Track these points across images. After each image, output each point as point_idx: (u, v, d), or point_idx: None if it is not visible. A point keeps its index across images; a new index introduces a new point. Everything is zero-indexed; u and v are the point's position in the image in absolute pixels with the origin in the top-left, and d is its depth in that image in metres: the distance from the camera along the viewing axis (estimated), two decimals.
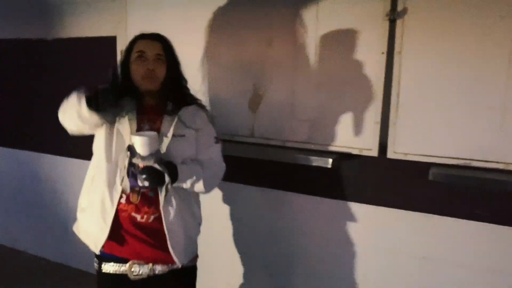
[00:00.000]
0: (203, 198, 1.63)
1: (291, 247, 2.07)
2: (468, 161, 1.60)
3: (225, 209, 2.22)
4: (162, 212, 1.41)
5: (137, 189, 1.39)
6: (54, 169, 2.82)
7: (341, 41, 1.77)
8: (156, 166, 1.31)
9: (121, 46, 2.31)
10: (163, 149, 1.39)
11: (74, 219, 2.77)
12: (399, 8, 1.63)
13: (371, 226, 1.87)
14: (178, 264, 1.47)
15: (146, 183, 1.31)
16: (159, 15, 2.18)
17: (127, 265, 1.44)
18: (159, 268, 1.46)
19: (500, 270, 1.66)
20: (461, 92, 1.59)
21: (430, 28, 1.60)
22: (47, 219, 2.95)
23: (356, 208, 1.89)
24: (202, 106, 1.58)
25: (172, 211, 1.43)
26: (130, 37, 1.59)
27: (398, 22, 1.64)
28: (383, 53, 1.69)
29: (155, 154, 1.32)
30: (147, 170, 1.30)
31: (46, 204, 2.93)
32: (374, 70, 1.71)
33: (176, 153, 1.41)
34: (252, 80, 1.99)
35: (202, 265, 1.64)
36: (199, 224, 1.60)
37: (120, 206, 1.41)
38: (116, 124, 1.41)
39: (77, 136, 1.45)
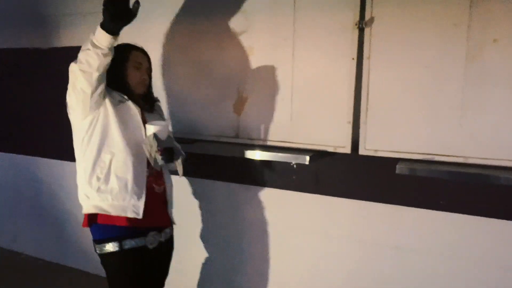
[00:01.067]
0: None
1: (278, 239, 2.21)
2: (431, 156, 1.75)
3: (212, 205, 2.36)
4: (165, 183, 1.78)
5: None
6: (50, 172, 2.94)
7: (316, 48, 1.92)
8: (174, 146, 1.69)
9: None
10: (150, 138, 1.64)
11: (71, 219, 2.90)
12: (367, 17, 1.79)
13: (346, 218, 2.02)
14: (175, 223, 1.87)
15: (164, 162, 1.62)
16: (148, 26, 2.31)
17: (148, 236, 1.70)
18: (168, 231, 1.83)
19: (465, 257, 1.81)
20: (424, 94, 1.74)
21: (394, 35, 1.75)
22: (44, 221, 3.06)
23: (332, 201, 2.03)
24: (158, 100, 1.97)
25: (169, 183, 1.82)
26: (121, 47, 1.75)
27: (366, 30, 1.80)
28: (353, 58, 1.84)
29: (168, 138, 1.67)
30: (167, 151, 1.63)
31: (43, 206, 3.04)
32: (346, 75, 1.86)
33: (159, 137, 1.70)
34: (236, 85, 2.14)
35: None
36: None
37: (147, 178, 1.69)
38: (120, 109, 1.65)
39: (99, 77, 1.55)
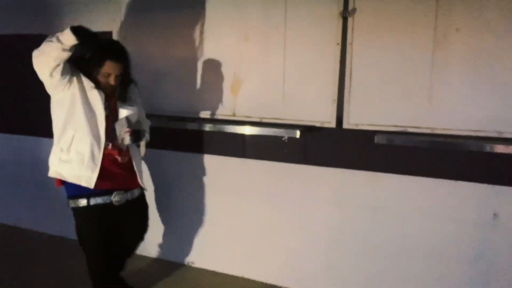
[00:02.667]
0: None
1: (272, 205, 2.47)
2: (404, 128, 2.05)
3: (214, 180, 2.61)
4: (131, 154, 2.10)
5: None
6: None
7: (305, 35, 2.17)
8: (141, 128, 2.08)
9: (117, 39, 2.66)
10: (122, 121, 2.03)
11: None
12: (350, 8, 2.05)
13: (331, 185, 2.30)
14: (144, 186, 2.19)
15: (131, 141, 2.00)
16: (151, 14, 2.52)
17: (112, 195, 2.02)
18: (135, 193, 2.14)
19: (433, 214, 2.12)
20: (398, 75, 2.02)
21: (373, 24, 2.03)
22: (47, 198, 3.23)
23: (319, 170, 2.31)
24: (135, 83, 2.16)
25: (135, 153, 2.14)
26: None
27: (349, 19, 2.07)
28: (338, 44, 2.11)
29: (137, 122, 2.07)
30: (135, 132, 2.01)
31: (44, 183, 3.21)
32: (331, 58, 2.13)
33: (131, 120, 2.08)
34: (232, 68, 2.37)
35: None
36: None
37: (107, 151, 1.99)
38: (89, 95, 1.94)
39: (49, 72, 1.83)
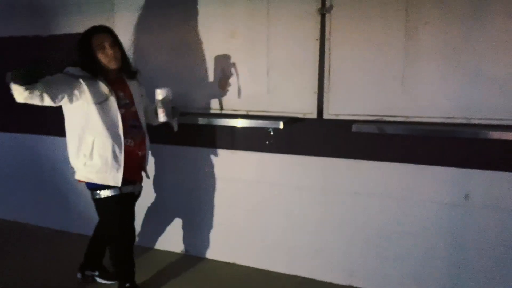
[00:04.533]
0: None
1: (259, 193, 2.61)
2: (380, 117, 2.18)
3: (205, 171, 2.74)
4: (147, 147, 2.24)
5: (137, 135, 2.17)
6: (51, 148, 3.23)
7: (287, 30, 2.30)
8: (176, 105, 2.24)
9: None
10: (140, 103, 2.22)
11: (71, 189, 3.23)
12: (327, 5, 2.18)
13: (314, 173, 2.43)
14: (147, 174, 2.36)
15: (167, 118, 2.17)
16: (142, 13, 2.65)
17: (136, 185, 2.23)
18: (141, 185, 2.32)
19: (410, 197, 2.25)
20: (373, 67, 2.15)
21: (349, 19, 2.15)
22: (47, 193, 3.36)
23: (302, 159, 2.44)
24: (139, 71, 2.28)
25: (148, 148, 2.28)
26: (117, 33, 2.12)
27: (327, 16, 2.19)
28: (317, 39, 2.23)
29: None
30: (175, 109, 2.22)
31: (45, 179, 3.35)
32: (311, 53, 2.26)
33: (142, 106, 2.24)
34: (220, 63, 2.50)
35: None
36: None
37: (131, 149, 2.13)
38: (105, 103, 2.03)
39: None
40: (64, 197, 3.27)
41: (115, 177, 2.08)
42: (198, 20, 2.51)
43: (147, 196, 2.69)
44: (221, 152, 2.67)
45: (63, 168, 3.21)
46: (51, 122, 3.19)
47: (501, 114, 1.99)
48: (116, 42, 2.08)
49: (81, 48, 2.04)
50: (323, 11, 2.19)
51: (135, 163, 2.19)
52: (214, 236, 2.79)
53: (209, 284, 2.53)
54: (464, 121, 2.05)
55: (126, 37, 2.67)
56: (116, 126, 2.06)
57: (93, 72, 2.02)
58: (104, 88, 2.02)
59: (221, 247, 2.79)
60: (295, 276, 2.58)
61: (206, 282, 2.55)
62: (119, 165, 2.08)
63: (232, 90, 2.50)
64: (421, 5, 2.03)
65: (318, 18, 2.22)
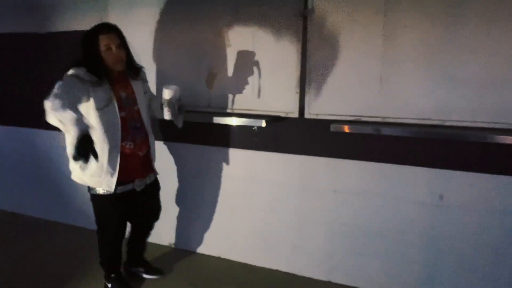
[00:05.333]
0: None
1: (243, 188, 2.68)
2: (357, 117, 2.24)
3: (192, 167, 2.82)
4: (150, 146, 2.25)
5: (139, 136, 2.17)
6: (48, 141, 3.34)
7: (271, 32, 2.36)
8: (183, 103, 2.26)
9: None
10: (143, 101, 2.21)
11: (68, 182, 3.31)
12: (309, 8, 2.24)
13: (296, 170, 2.50)
14: (156, 172, 2.38)
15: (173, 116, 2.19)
16: (134, 11, 2.73)
17: (134, 182, 2.20)
18: (152, 176, 2.33)
19: (386, 196, 2.31)
20: (351, 68, 2.21)
21: (330, 21, 2.21)
22: (44, 186, 3.47)
23: (285, 157, 2.51)
24: (142, 67, 2.28)
25: (153, 144, 2.30)
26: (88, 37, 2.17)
27: (309, 19, 2.25)
28: (299, 41, 2.30)
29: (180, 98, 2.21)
30: (181, 108, 2.23)
31: (42, 172, 3.45)
32: (293, 54, 2.32)
33: (145, 104, 2.24)
34: (207, 63, 2.58)
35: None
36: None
37: (130, 150, 2.13)
38: (106, 108, 2.02)
39: None
40: (60, 190, 3.37)
41: (109, 182, 2.09)
42: (187, 19, 2.58)
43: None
44: (207, 148, 2.74)
45: (59, 161, 3.32)
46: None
47: (475, 116, 2.04)
48: (122, 43, 2.05)
49: (87, 46, 2.01)
50: (305, 13, 2.25)
51: (135, 164, 2.18)
52: (201, 230, 2.87)
53: (193, 277, 2.61)
54: (439, 123, 2.10)
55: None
56: (115, 131, 2.05)
57: (99, 74, 2.00)
58: (107, 93, 2.01)
59: (206, 241, 2.87)
60: (277, 271, 2.66)
61: (190, 274, 2.63)
62: (114, 170, 2.08)
63: (218, 89, 2.58)
64: (399, 9, 2.08)
65: (300, 20, 2.28)
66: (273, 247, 2.66)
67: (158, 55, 2.71)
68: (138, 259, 2.61)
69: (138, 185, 2.23)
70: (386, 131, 2.17)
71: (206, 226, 2.86)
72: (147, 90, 2.29)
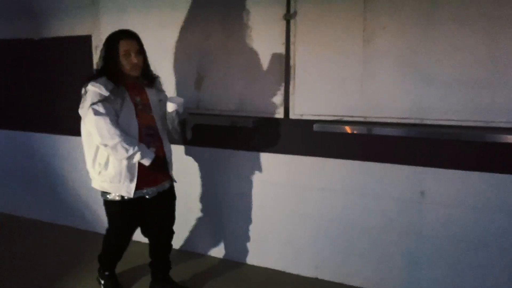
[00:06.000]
0: None
1: (231, 188, 2.75)
2: (340, 117, 2.30)
3: (182, 168, 2.88)
4: (165, 152, 2.20)
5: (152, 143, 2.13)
6: (44, 145, 3.41)
7: (256, 35, 2.43)
8: (187, 116, 2.25)
9: (95, 42, 2.95)
10: (158, 108, 2.19)
11: (63, 184, 3.38)
12: (291, 12, 2.31)
13: (282, 169, 2.56)
14: (173, 177, 2.31)
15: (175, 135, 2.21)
16: (125, 17, 2.80)
17: (145, 189, 2.14)
18: (166, 185, 2.25)
19: (371, 193, 2.37)
20: (334, 69, 2.28)
21: (312, 24, 2.28)
22: (41, 188, 3.54)
23: (271, 157, 2.58)
24: (158, 77, 2.27)
25: (168, 149, 2.24)
26: (103, 35, 2.23)
27: (292, 22, 2.32)
28: (283, 43, 2.37)
29: (184, 111, 2.18)
30: (182, 121, 2.17)
31: (38, 175, 3.52)
32: (278, 56, 2.39)
33: (161, 111, 2.21)
34: (195, 65, 2.65)
35: None
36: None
37: None
38: (123, 110, 2.02)
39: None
40: (55, 191, 3.45)
41: (128, 188, 2.08)
42: (177, 23, 2.65)
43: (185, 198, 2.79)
44: (195, 149, 2.80)
45: (54, 163, 3.40)
46: (43, 120, 3.39)
47: (453, 115, 2.10)
48: (141, 51, 2.08)
49: (107, 50, 2.04)
50: (288, 17, 2.33)
51: (149, 172, 2.11)
52: (187, 229, 2.93)
53: (177, 271, 2.67)
54: (419, 121, 2.16)
55: None
56: (133, 136, 2.04)
57: (117, 79, 2.03)
58: (122, 98, 2.02)
59: (196, 240, 2.93)
60: (266, 268, 2.72)
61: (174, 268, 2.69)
62: (133, 176, 2.07)
63: (206, 91, 2.65)
64: (378, 11, 2.15)
65: (283, 24, 2.35)
66: (263, 245, 2.72)
67: (149, 58, 2.77)
68: (161, 275, 2.45)
69: (149, 192, 2.17)
70: (368, 130, 2.23)
71: (195, 226, 2.91)
72: (162, 99, 2.23)
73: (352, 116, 2.28)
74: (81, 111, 2.03)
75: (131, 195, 2.09)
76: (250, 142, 2.63)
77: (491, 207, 2.13)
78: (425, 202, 2.26)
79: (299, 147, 2.49)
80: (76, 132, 2.18)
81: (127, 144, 1.96)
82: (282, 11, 2.34)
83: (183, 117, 2.16)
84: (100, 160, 2.08)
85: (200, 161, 2.82)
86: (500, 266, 2.16)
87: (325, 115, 2.34)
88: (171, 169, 2.29)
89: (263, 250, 2.73)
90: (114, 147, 1.95)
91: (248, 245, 2.77)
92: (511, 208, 2.10)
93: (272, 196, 2.63)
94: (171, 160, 2.28)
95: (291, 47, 2.35)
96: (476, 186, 2.15)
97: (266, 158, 2.60)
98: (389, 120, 2.22)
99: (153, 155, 2.04)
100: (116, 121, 1.98)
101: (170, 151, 2.27)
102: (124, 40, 2.03)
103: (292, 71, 2.37)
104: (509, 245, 2.13)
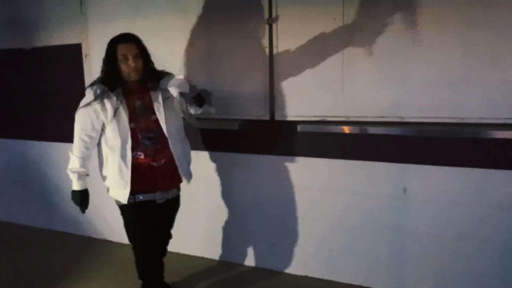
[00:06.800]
0: None
1: (219, 189, 2.80)
2: (323, 117, 2.36)
3: None
4: (174, 156, 2.13)
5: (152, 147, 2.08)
6: (37, 152, 3.46)
7: (241, 39, 2.49)
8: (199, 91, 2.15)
9: (85, 50, 3.01)
10: (162, 111, 2.08)
11: (57, 190, 3.43)
12: (274, 16, 2.38)
13: (268, 170, 2.62)
14: (186, 182, 2.26)
15: (200, 107, 2.16)
16: (113, 26, 2.85)
17: (156, 193, 2.13)
18: (175, 192, 2.25)
19: (353, 191, 2.43)
20: (316, 71, 2.33)
21: (293, 28, 2.34)
22: (33, 194, 3.58)
23: (256, 158, 2.63)
24: (169, 74, 2.20)
25: (176, 149, 2.15)
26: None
27: (274, 26, 2.39)
28: (266, 47, 2.43)
29: (192, 88, 2.08)
30: (196, 99, 2.11)
31: (32, 182, 3.57)
32: (262, 60, 2.45)
33: (169, 111, 2.13)
34: (181, 71, 2.69)
35: None
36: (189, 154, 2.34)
37: (141, 161, 2.06)
38: (116, 117, 2.00)
39: None
40: (48, 198, 3.49)
41: (123, 194, 2.07)
42: (162, 30, 2.71)
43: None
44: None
45: (47, 170, 3.45)
46: (35, 127, 3.44)
47: (430, 113, 2.16)
48: (142, 53, 2.06)
49: (106, 56, 2.05)
50: (270, 21, 2.39)
51: (153, 175, 2.10)
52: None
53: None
54: (398, 120, 2.22)
55: (98, 49, 2.88)
56: (125, 142, 2.02)
57: (113, 84, 2.02)
58: (115, 104, 2.01)
59: (189, 241, 2.98)
60: (257, 268, 2.77)
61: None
62: (126, 182, 2.05)
63: None
64: (356, 14, 2.22)
65: (266, 28, 2.41)
66: (250, 245, 2.78)
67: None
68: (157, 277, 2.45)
69: (159, 197, 2.14)
70: (350, 130, 2.29)
71: (188, 227, 2.96)
72: (169, 96, 2.13)
73: (334, 116, 2.34)
74: None
75: (125, 201, 2.09)
76: (238, 144, 2.68)
77: (470, 201, 2.19)
78: (407, 198, 2.32)
79: (283, 148, 2.55)
80: (68, 138, 2.22)
81: (73, 162, 2.08)
82: (265, 15, 2.40)
83: (193, 94, 2.05)
84: (101, 166, 2.14)
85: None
86: (483, 258, 2.22)
87: (308, 116, 2.40)
88: (186, 174, 2.24)
89: (251, 250, 2.78)
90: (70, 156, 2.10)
91: (236, 245, 2.82)
92: (490, 202, 2.16)
93: (259, 197, 2.68)
94: (184, 165, 2.23)
95: (274, 50, 2.41)
96: (456, 182, 2.21)
97: (251, 159, 2.66)
98: (369, 119, 2.28)
99: (74, 188, 2.11)
100: (92, 129, 2.04)
101: (183, 155, 2.22)
102: (122, 44, 2.02)
103: (276, 74, 2.43)
104: (489, 237, 2.19)
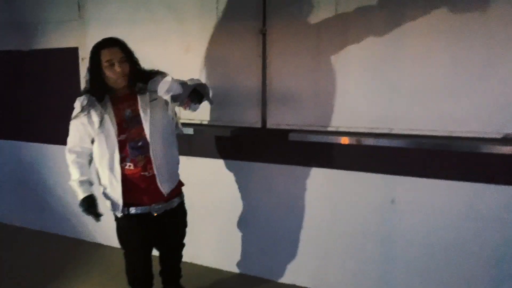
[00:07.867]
0: None
1: (208, 195, 2.82)
2: (313, 127, 2.38)
3: None
4: (151, 158, 1.99)
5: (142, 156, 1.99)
6: (32, 154, 3.49)
7: (235, 48, 2.52)
8: (193, 86, 1.86)
9: (82, 54, 3.04)
10: (148, 114, 1.97)
11: (50, 192, 3.45)
12: (267, 26, 2.41)
13: (259, 177, 2.64)
14: (164, 192, 2.06)
15: (198, 105, 1.97)
16: (110, 30, 2.88)
17: (151, 206, 2.05)
18: (174, 202, 2.15)
19: (342, 201, 2.44)
20: (307, 80, 2.36)
21: (285, 38, 2.36)
22: (28, 196, 3.60)
23: (248, 165, 2.65)
24: (161, 73, 2.08)
25: (156, 156, 2.01)
26: (89, 48, 2.29)
27: (267, 35, 2.42)
28: (259, 56, 2.46)
29: (185, 86, 1.84)
30: (192, 95, 1.85)
31: (26, 183, 3.59)
32: (255, 68, 2.48)
33: (156, 114, 2.02)
34: (176, 77, 2.71)
35: None
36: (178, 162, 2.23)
37: (131, 171, 1.99)
38: (102, 130, 1.94)
39: None
40: (42, 199, 3.51)
41: (115, 205, 2.04)
42: (157, 36, 2.74)
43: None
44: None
45: (42, 172, 3.47)
46: (31, 129, 3.46)
47: (419, 125, 2.18)
48: (127, 57, 1.93)
49: (90, 63, 1.93)
50: (264, 31, 2.42)
51: (144, 186, 2.02)
52: None
53: None
54: (387, 131, 2.24)
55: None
56: (112, 154, 1.96)
57: (100, 93, 1.94)
58: (99, 111, 1.93)
59: None
60: (243, 274, 2.78)
61: None
62: (118, 196, 2.00)
63: None
64: (346, 25, 2.24)
65: (260, 37, 2.44)
66: (240, 252, 2.79)
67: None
68: (173, 283, 2.44)
69: (155, 209, 2.07)
70: (340, 140, 2.31)
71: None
72: (158, 98, 1.99)
73: (325, 126, 2.37)
74: None
75: (118, 215, 2.05)
76: (231, 151, 2.70)
77: (459, 213, 2.21)
78: (395, 209, 2.33)
79: (275, 156, 2.57)
80: (63, 141, 2.19)
81: (72, 174, 2.04)
82: (259, 25, 2.43)
83: (188, 91, 1.81)
84: (101, 181, 2.09)
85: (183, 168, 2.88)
86: (470, 268, 2.23)
87: (299, 125, 2.42)
88: (175, 182, 2.16)
89: (241, 257, 2.79)
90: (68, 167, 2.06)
91: (228, 252, 2.83)
92: (477, 214, 2.17)
93: (251, 204, 2.70)
94: (171, 173, 2.12)
95: (267, 59, 2.43)
96: (444, 194, 2.22)
97: (240, 166, 2.68)
98: (358, 130, 2.30)
99: (79, 197, 2.01)
100: (82, 141, 2.01)
101: (165, 161, 2.06)
102: (105, 49, 1.88)
103: (268, 83, 2.45)
104: (477, 247, 2.20)
